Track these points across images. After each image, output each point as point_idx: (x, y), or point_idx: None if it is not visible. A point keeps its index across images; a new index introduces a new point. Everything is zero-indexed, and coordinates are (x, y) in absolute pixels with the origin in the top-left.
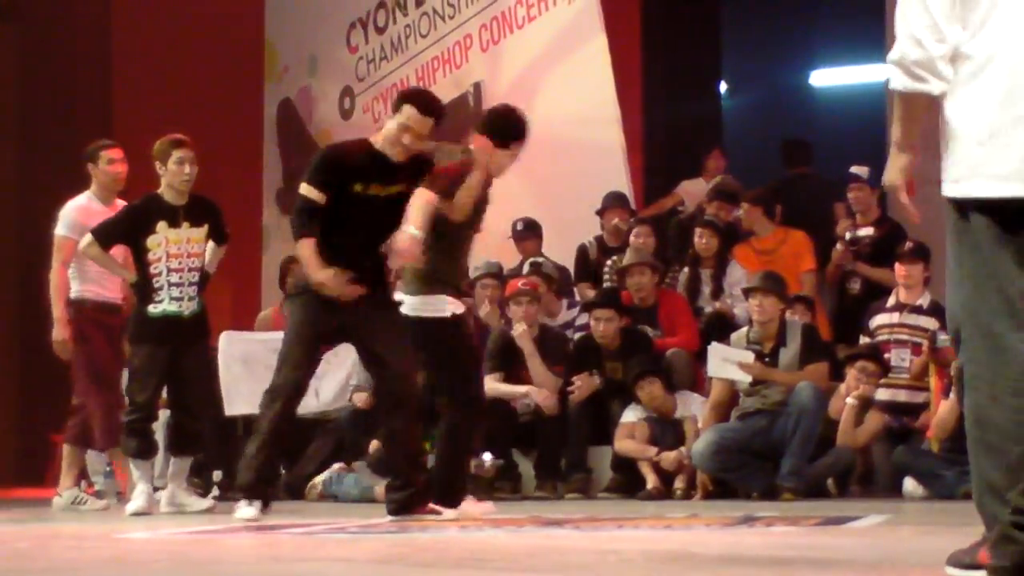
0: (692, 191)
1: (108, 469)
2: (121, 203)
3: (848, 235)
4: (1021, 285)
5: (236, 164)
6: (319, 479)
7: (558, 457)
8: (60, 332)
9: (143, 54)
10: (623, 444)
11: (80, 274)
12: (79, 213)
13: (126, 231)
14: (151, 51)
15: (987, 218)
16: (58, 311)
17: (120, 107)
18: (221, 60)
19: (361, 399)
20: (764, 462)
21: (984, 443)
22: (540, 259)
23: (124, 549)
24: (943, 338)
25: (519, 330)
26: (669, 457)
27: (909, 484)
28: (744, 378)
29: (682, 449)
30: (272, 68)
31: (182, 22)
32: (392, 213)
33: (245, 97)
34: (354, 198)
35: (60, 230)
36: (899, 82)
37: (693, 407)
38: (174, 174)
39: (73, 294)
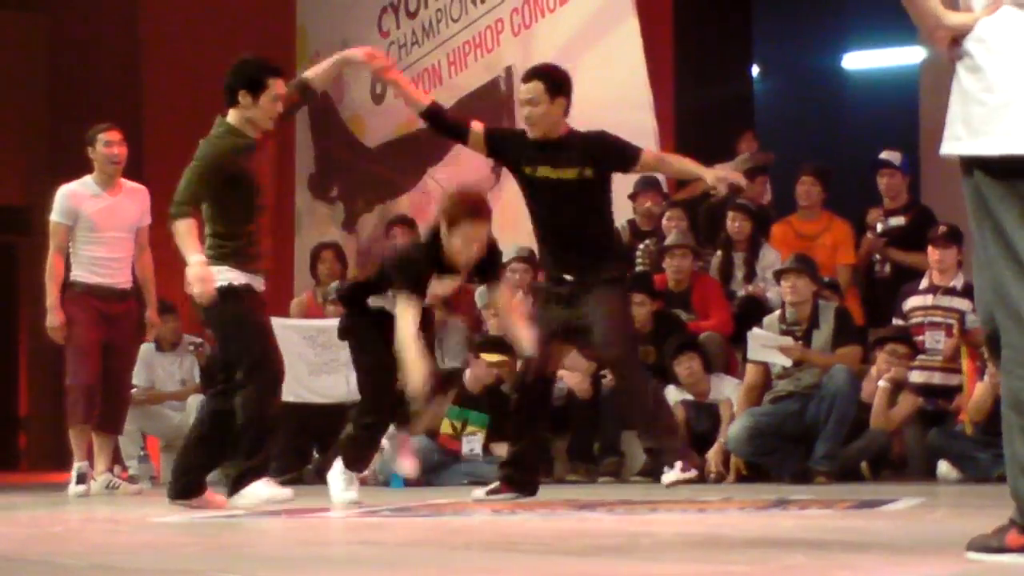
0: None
1: (143, 453)
2: (132, 185)
3: (880, 227)
4: None
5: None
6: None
7: (591, 441)
8: (53, 319)
9: (172, 41)
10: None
11: (76, 258)
12: (68, 198)
13: None
14: (181, 37)
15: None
16: (51, 298)
17: (150, 94)
18: (252, 45)
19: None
20: (797, 445)
21: (1021, 428)
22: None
23: (158, 533)
24: (973, 319)
25: None
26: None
27: (943, 467)
28: (784, 361)
29: (720, 441)
30: (304, 53)
31: (212, 7)
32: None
33: None
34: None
35: (53, 216)
36: None
37: (727, 390)
38: None
39: (70, 276)
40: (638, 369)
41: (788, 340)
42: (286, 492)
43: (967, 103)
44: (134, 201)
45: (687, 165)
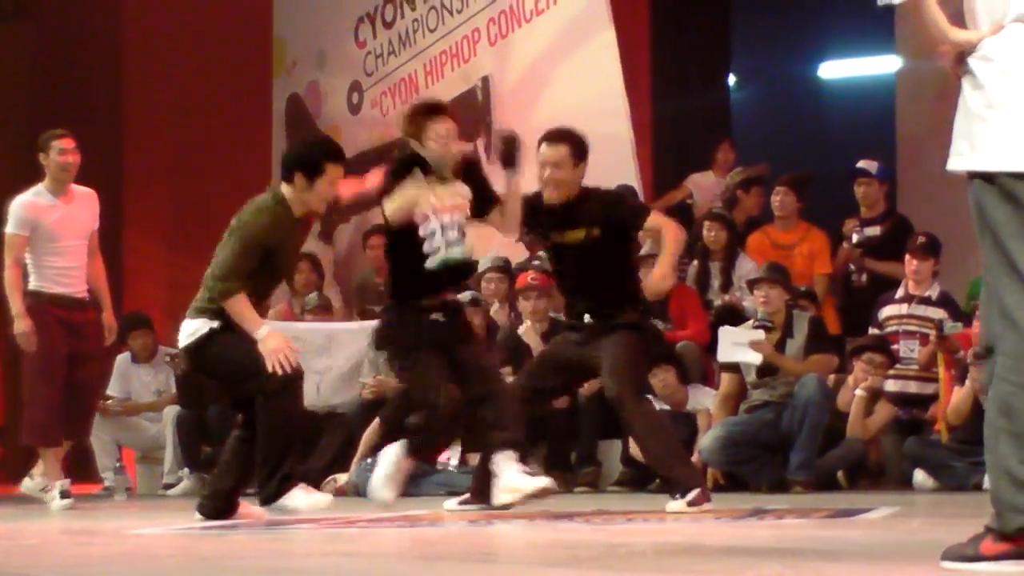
0: (701, 184)
1: (118, 465)
2: (82, 190)
3: (855, 237)
4: None
5: (245, 159)
6: (342, 476)
7: (568, 450)
8: (21, 325)
9: (153, 50)
10: (635, 448)
11: (36, 269)
12: (26, 209)
13: None
14: (161, 47)
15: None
16: (16, 306)
17: (131, 103)
18: (230, 55)
19: (370, 390)
20: (773, 455)
21: (1010, 433)
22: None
23: (135, 545)
24: (951, 325)
25: (524, 328)
26: None
27: (919, 476)
28: (754, 359)
29: (697, 451)
30: (280, 63)
31: (191, 18)
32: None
33: (254, 92)
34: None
35: (9, 227)
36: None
37: (705, 400)
38: None
39: (30, 286)
40: (639, 407)
41: (760, 334)
42: (325, 498)
43: (970, 119)
44: (87, 207)
45: (666, 252)
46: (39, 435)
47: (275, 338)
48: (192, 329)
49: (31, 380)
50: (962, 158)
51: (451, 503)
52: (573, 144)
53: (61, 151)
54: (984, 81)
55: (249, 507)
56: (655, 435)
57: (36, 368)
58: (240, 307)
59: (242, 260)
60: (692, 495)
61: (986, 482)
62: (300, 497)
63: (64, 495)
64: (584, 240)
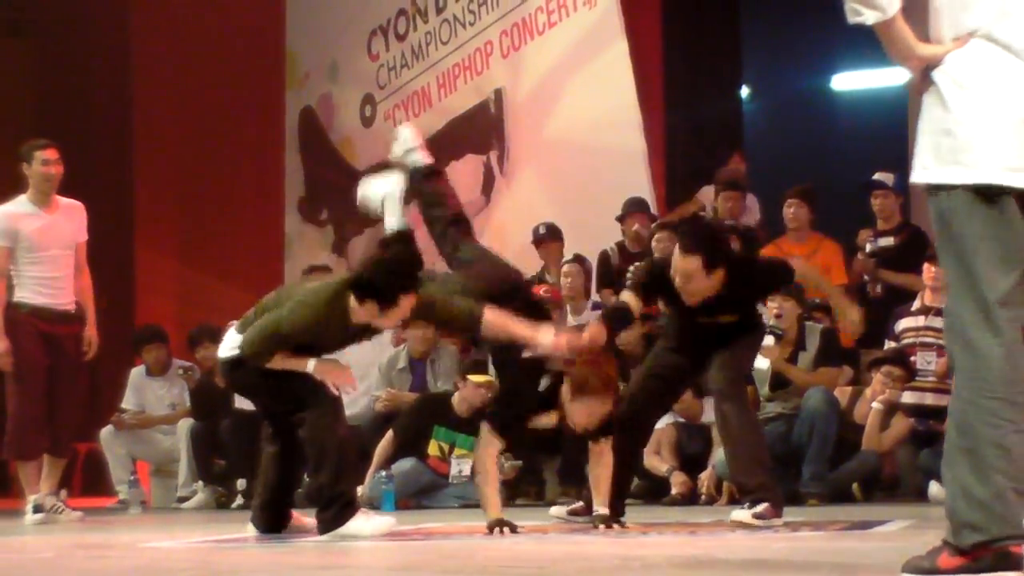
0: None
1: (133, 478)
2: (68, 201)
3: (869, 246)
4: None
5: (258, 172)
6: (356, 489)
7: (582, 463)
8: None
9: (163, 64)
10: (649, 460)
11: (18, 279)
12: (9, 219)
13: None
14: (171, 61)
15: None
16: None
17: (140, 117)
18: (242, 68)
19: (383, 403)
20: (787, 468)
21: (965, 449)
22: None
23: (150, 558)
24: None
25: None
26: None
27: (934, 488)
28: (761, 364)
29: (712, 464)
30: (293, 76)
31: (202, 31)
32: None
33: (266, 105)
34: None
35: None
36: (849, 17)
37: None
38: None
39: (13, 298)
40: (736, 403)
41: (768, 339)
42: (387, 521)
43: (936, 134)
44: (71, 218)
45: (833, 292)
46: (16, 449)
47: (326, 362)
48: (235, 343)
49: (15, 398)
50: (927, 171)
51: (558, 510)
52: (706, 254)
53: (44, 162)
54: (949, 96)
55: (302, 518)
56: (743, 438)
57: (19, 387)
58: (280, 361)
59: (280, 343)
60: (760, 508)
61: None
62: (362, 522)
63: (37, 509)
64: (722, 322)
